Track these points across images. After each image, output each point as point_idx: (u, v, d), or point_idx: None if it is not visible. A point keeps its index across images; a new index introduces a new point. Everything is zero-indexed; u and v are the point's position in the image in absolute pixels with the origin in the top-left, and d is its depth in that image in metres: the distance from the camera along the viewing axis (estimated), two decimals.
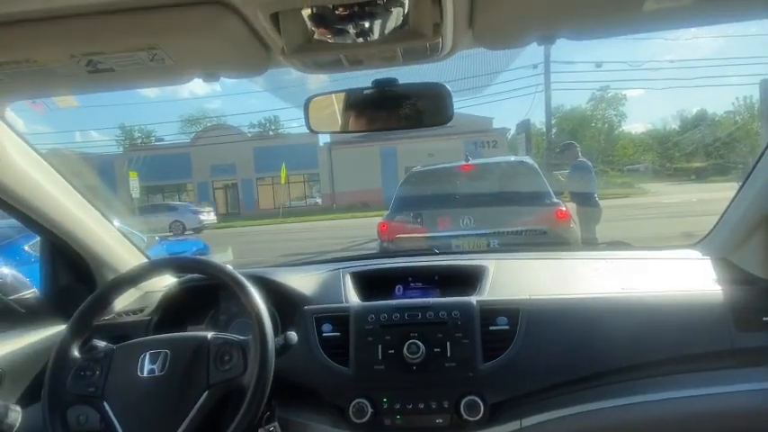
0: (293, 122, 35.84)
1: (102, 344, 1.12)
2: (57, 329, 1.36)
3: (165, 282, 1.61)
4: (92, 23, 0.74)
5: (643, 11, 0.74)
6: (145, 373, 1.03)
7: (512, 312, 1.23)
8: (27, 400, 1.24)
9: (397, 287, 1.48)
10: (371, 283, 1.47)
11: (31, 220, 1.29)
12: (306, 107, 1.12)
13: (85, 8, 0.72)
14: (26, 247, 4.00)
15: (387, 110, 1.08)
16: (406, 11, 0.75)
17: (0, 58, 0.80)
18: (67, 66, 0.82)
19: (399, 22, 0.77)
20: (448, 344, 1.19)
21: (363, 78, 1.09)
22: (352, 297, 1.38)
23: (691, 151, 29.58)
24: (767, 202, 1.26)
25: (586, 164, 5.85)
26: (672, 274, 1.40)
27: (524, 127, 17.69)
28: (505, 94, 35.59)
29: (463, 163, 5.11)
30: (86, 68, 0.83)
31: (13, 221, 1.47)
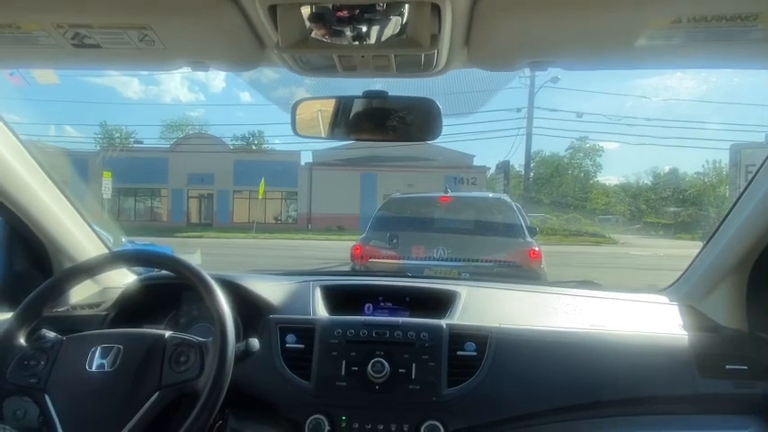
0: (276, 139, 35.89)
1: (51, 334, 1.06)
2: (4, 317, 1.28)
3: (127, 279, 1.55)
4: None
5: (635, 46, 0.76)
6: (94, 368, 0.97)
7: (480, 339, 1.21)
8: None
9: (367, 305, 1.45)
10: (341, 299, 1.44)
11: None
12: (293, 110, 1.11)
13: None
14: None
15: (375, 121, 1.07)
16: (405, 20, 0.76)
17: None
18: (52, 36, 0.79)
19: (397, 30, 0.77)
20: (413, 365, 1.16)
21: (353, 90, 1.08)
22: (320, 310, 1.34)
23: (660, 207, 30.68)
24: (733, 255, 1.29)
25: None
26: (639, 317, 1.41)
27: (504, 167, 18.19)
28: (488, 133, 36.37)
29: (442, 194, 5.16)
30: (72, 41, 0.80)
31: None
